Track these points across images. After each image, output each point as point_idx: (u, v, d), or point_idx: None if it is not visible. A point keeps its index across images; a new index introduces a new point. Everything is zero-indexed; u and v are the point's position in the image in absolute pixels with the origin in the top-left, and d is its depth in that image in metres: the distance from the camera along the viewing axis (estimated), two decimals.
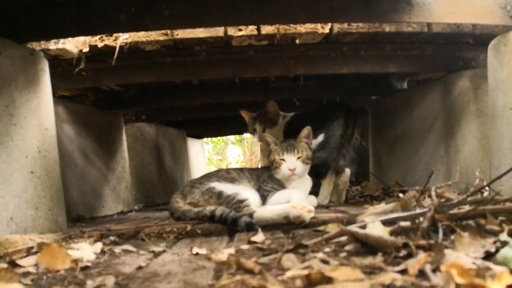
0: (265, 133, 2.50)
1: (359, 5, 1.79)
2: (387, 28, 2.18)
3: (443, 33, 2.24)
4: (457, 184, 2.08)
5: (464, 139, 2.30)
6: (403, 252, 0.93)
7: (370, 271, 0.83)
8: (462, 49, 2.43)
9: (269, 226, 1.59)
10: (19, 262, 1.10)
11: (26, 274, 1.00)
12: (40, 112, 1.71)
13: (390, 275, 0.77)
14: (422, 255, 0.84)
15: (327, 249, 1.08)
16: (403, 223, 1.10)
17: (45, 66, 1.81)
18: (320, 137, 2.37)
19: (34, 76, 1.71)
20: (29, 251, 1.21)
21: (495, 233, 1.05)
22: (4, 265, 1.00)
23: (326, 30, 2.15)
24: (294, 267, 0.91)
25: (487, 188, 1.50)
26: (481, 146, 2.21)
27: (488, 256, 0.90)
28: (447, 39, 2.37)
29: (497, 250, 0.90)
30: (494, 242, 0.98)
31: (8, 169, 1.53)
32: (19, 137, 1.58)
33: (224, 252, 1.13)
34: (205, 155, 7.22)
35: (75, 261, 1.07)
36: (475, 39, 2.32)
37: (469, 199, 1.22)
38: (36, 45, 1.99)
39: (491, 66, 1.91)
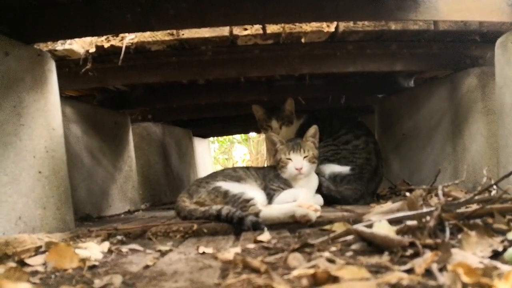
0: (275, 132, 2.50)
1: (364, 3, 1.79)
2: (393, 26, 2.16)
3: (450, 31, 2.22)
4: (465, 182, 2.07)
5: (471, 137, 2.28)
6: (409, 251, 0.93)
7: (377, 270, 0.83)
8: (469, 47, 2.41)
9: (275, 225, 1.59)
10: (28, 261, 1.11)
11: (34, 273, 1.01)
12: (48, 112, 1.72)
13: (397, 274, 0.76)
14: (428, 254, 0.84)
15: (333, 248, 1.08)
16: (410, 222, 1.09)
17: (52, 67, 1.82)
18: (343, 168, 2.38)
19: (41, 76, 1.73)
20: (37, 250, 1.22)
21: (503, 232, 1.05)
22: (13, 264, 1.02)
23: (332, 29, 2.14)
24: (300, 266, 0.91)
25: (494, 186, 1.48)
26: (489, 144, 2.19)
27: (496, 255, 0.90)
28: (453, 37, 2.35)
29: (505, 249, 0.90)
30: (502, 241, 0.97)
31: (17, 169, 1.55)
32: (27, 137, 1.60)
33: (231, 251, 1.13)
34: (211, 154, 7.23)
35: (83, 260, 1.08)
36: (482, 37, 2.30)
37: (476, 198, 1.21)
38: (43, 46, 2.01)
39: (498, 63, 1.89)
